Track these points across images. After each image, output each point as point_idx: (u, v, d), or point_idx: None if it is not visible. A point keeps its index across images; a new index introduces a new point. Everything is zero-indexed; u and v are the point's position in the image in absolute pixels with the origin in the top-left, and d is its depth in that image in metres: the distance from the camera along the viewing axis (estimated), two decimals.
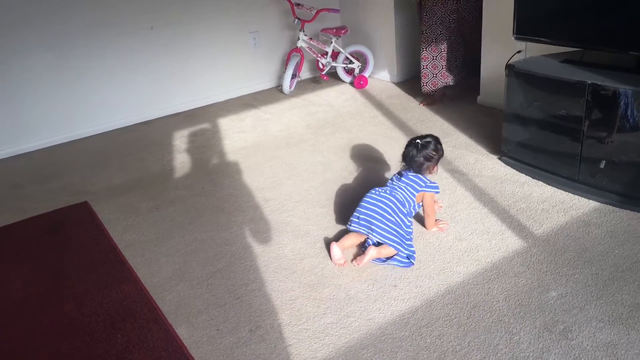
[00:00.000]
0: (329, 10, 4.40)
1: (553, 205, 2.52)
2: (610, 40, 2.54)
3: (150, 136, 3.89)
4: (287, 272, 2.21)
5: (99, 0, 3.77)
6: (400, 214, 2.23)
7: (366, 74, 4.66)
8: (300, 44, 4.47)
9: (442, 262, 2.18)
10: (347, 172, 3.02)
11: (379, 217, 2.20)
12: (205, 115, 4.23)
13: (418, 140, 2.29)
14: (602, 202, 2.49)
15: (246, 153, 3.42)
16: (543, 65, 2.70)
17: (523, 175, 2.80)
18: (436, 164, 2.34)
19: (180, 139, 3.77)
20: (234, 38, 4.47)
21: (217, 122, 4.05)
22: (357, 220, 2.25)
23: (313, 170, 3.09)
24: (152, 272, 2.28)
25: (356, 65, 4.60)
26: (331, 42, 4.56)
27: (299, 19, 4.40)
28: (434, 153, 2.30)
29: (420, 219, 2.45)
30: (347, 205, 2.65)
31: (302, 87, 4.71)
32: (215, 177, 3.12)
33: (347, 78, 4.73)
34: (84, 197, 2.99)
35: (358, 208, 2.27)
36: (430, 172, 2.34)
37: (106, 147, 3.79)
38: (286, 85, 4.48)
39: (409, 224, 2.28)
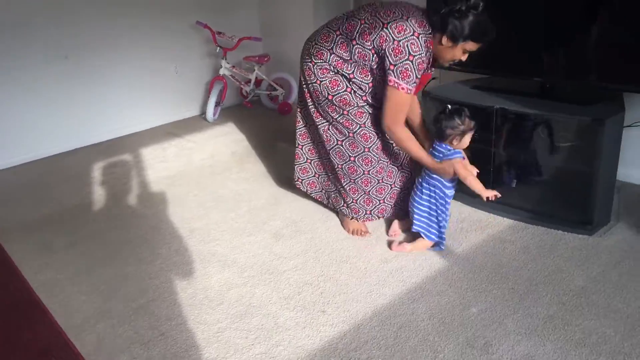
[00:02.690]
0: (250, 38, 4.44)
1: (471, 224, 2.64)
2: (516, 68, 2.72)
3: (67, 168, 3.72)
4: (214, 303, 2.16)
5: (7, 28, 3.61)
6: (435, 196, 2.38)
7: (290, 100, 4.71)
8: (223, 71, 4.47)
9: (369, 285, 2.22)
10: (274, 199, 3.02)
11: (415, 210, 2.43)
12: (126, 145, 4.10)
13: (449, 106, 2.29)
14: (515, 220, 2.63)
15: (170, 183, 3.35)
16: (456, 91, 2.84)
17: None
18: (460, 137, 2.28)
19: (100, 170, 3.63)
20: (155, 66, 4.40)
21: (139, 151, 3.94)
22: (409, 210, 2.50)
23: (239, 199, 3.06)
24: (70, 312, 2.17)
25: (280, 92, 4.65)
26: (254, 70, 4.59)
27: (220, 47, 4.40)
28: (459, 123, 2.24)
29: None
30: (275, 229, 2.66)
31: (226, 114, 4.68)
32: (138, 209, 3.03)
33: (271, 105, 4.76)
34: None
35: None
36: (451, 143, 2.30)
37: (18, 180, 3.58)
38: (210, 113, 4.44)
39: (447, 202, 2.39)
